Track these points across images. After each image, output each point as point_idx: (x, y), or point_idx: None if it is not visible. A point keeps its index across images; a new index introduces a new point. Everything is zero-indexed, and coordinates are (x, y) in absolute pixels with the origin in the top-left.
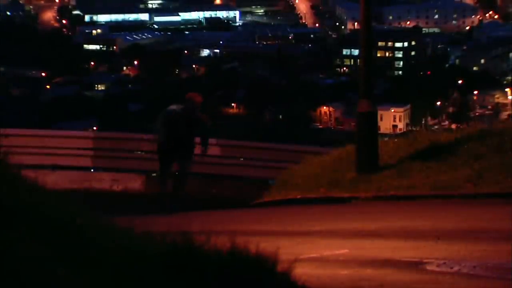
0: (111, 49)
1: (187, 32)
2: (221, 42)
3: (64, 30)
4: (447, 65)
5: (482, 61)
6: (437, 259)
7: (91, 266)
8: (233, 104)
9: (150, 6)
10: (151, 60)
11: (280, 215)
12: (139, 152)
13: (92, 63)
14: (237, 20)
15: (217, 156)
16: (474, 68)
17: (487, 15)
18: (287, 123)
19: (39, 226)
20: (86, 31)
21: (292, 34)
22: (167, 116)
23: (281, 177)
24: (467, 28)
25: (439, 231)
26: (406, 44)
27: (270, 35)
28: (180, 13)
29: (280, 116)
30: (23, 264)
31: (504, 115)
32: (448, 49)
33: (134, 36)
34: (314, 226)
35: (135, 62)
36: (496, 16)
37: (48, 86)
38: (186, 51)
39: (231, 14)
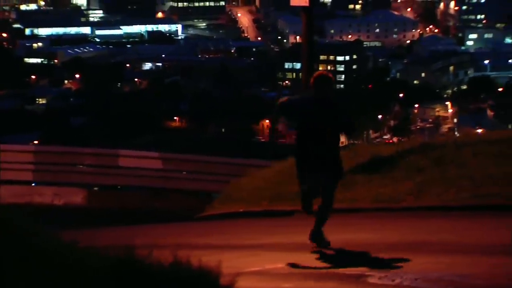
0: (52, 62)
1: (129, 46)
2: (163, 55)
3: (5, 43)
4: (388, 79)
5: (423, 74)
6: (378, 271)
7: (36, 279)
8: (175, 118)
9: (91, 19)
10: (93, 73)
11: (223, 228)
12: (81, 166)
13: (33, 76)
14: (179, 33)
15: (160, 170)
16: (415, 82)
17: (427, 29)
18: (230, 137)
19: None
20: (27, 44)
21: (234, 48)
22: (296, 108)
23: (225, 191)
24: (408, 42)
25: (381, 243)
26: (347, 57)
27: (212, 48)
28: (121, 27)
29: (223, 130)
30: None
31: (444, 128)
32: (389, 62)
33: (76, 49)
34: (257, 240)
35: (77, 76)
36: (436, 30)
37: None
38: (128, 65)
39: (173, 27)
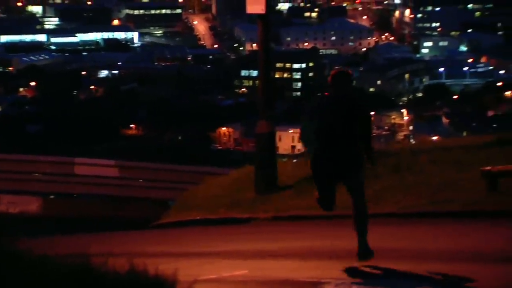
0: (7, 70)
1: (85, 53)
2: (119, 63)
3: None
4: None
5: (379, 82)
6: (335, 278)
7: None
8: (132, 125)
9: (47, 27)
10: (49, 81)
11: (180, 236)
12: (36, 174)
13: None
14: (136, 41)
15: (117, 178)
16: (371, 89)
17: (383, 37)
18: (187, 144)
19: None
20: None
21: (191, 55)
22: (318, 109)
23: (181, 199)
24: (364, 49)
25: (337, 251)
26: (304, 65)
27: (168, 56)
28: (77, 34)
29: (180, 137)
30: None
31: (400, 135)
32: None
33: (31, 57)
34: (214, 247)
35: (32, 83)
36: (391, 38)
37: None
38: (84, 72)
39: (129, 35)
